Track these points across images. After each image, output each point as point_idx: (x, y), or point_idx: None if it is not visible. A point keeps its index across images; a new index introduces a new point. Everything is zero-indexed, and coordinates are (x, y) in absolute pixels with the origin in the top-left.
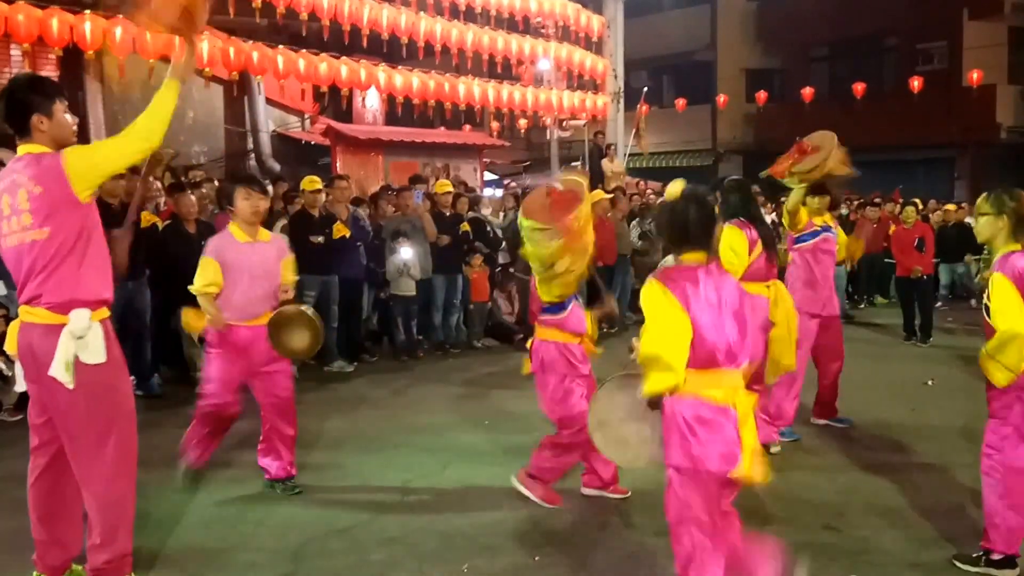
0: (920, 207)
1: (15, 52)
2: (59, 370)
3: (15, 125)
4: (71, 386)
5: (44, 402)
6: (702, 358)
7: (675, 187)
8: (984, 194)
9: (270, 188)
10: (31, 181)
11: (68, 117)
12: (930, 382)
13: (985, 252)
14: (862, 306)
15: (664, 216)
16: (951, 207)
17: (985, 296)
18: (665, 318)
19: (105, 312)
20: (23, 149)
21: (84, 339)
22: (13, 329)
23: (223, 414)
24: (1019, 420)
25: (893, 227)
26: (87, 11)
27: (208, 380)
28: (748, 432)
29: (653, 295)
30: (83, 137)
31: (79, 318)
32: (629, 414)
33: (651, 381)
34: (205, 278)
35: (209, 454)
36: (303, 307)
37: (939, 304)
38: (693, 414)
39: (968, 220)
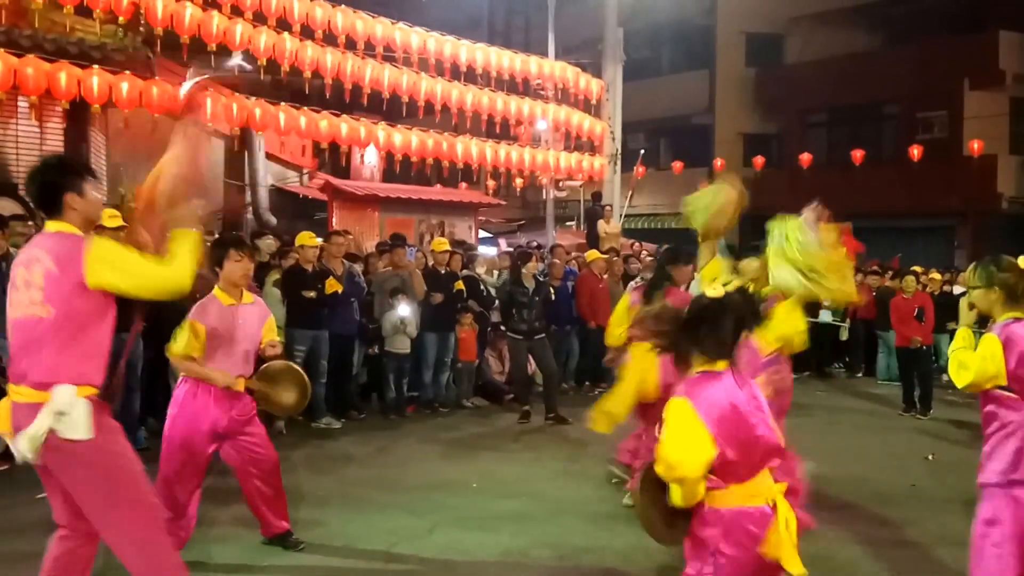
0: (920, 276)
1: (22, 104)
2: (23, 442)
3: (47, 205)
4: (31, 458)
5: (48, 478)
6: (742, 468)
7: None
8: (972, 266)
9: (270, 241)
10: (50, 258)
11: (96, 195)
12: (931, 456)
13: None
14: (859, 375)
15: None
16: (936, 275)
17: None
18: (687, 435)
19: (92, 389)
20: (53, 227)
21: (68, 415)
22: (5, 407)
23: (182, 481)
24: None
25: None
26: (95, 66)
27: (168, 446)
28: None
29: (681, 413)
30: None
31: (62, 394)
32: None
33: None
34: (187, 343)
35: (188, 534)
36: (291, 363)
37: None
38: (742, 521)
39: (947, 288)
